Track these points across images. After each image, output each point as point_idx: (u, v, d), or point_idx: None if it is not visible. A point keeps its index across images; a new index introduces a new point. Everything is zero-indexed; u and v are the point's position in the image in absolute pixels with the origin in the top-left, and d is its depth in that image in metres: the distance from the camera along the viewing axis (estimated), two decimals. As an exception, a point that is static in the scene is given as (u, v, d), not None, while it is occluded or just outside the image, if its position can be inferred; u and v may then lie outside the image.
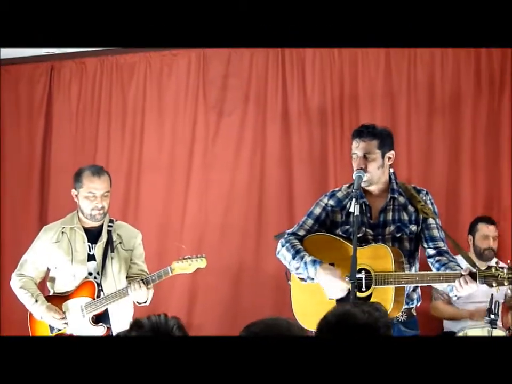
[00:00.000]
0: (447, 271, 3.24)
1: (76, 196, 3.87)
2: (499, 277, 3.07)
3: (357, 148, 3.38)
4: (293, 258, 3.41)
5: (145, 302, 3.83)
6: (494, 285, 3.09)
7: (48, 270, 3.95)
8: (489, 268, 3.12)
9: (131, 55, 5.46)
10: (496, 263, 3.16)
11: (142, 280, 3.72)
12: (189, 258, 3.77)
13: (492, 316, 3.62)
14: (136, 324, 1.97)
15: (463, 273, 3.13)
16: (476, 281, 3.11)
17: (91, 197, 3.80)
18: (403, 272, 3.27)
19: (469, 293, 3.21)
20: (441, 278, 3.22)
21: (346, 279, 3.18)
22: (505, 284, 3.07)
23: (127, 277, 3.89)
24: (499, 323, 4.07)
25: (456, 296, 3.25)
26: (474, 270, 3.14)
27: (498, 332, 3.91)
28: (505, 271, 3.07)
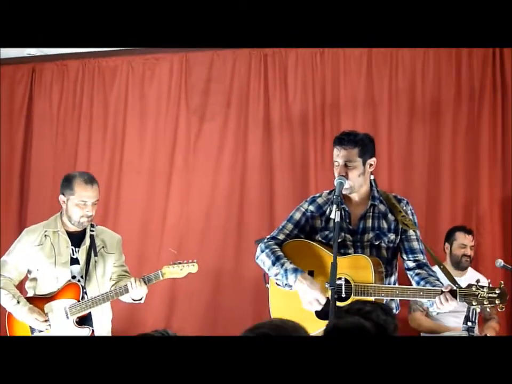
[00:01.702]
0: (427, 286, 3.25)
1: (64, 202, 3.84)
2: (479, 296, 3.10)
3: (338, 156, 3.38)
4: (273, 264, 3.41)
5: (141, 300, 3.86)
6: (474, 303, 3.12)
7: (28, 272, 3.93)
8: (470, 286, 3.14)
9: (113, 58, 5.45)
10: (477, 281, 3.16)
11: (143, 278, 3.74)
12: (180, 263, 3.79)
13: (469, 323, 3.64)
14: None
15: (443, 290, 3.15)
16: (456, 299, 3.13)
17: (82, 205, 3.80)
18: (383, 285, 3.27)
19: (448, 310, 3.23)
20: (421, 293, 3.23)
21: (326, 286, 3.17)
22: (485, 303, 3.09)
23: (111, 279, 3.91)
24: (476, 331, 4.10)
25: (435, 312, 3.28)
26: (454, 288, 3.16)
27: (475, 339, 3.95)
28: (485, 290, 3.09)
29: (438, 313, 4.24)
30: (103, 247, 3.90)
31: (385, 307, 2.26)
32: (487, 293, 3.09)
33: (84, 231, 3.88)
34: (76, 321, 3.80)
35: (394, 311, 3.42)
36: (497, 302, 3.07)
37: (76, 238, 3.87)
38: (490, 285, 3.13)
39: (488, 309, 3.20)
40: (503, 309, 3.16)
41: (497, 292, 3.09)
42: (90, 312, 3.81)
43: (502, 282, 3.14)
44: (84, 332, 3.80)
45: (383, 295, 3.22)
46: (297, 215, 3.52)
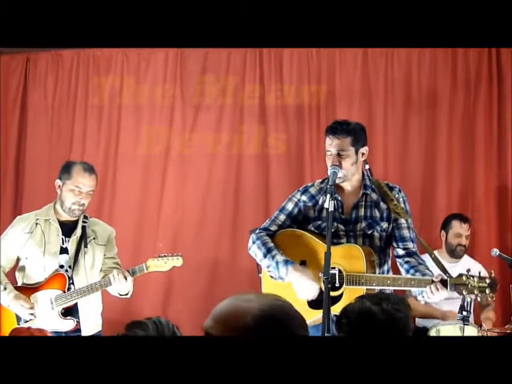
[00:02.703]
0: (417, 275, 3.25)
1: (60, 186, 3.85)
2: (469, 285, 3.10)
3: (331, 145, 3.38)
4: (264, 256, 3.40)
5: (127, 294, 3.83)
6: (464, 293, 3.12)
7: (18, 259, 3.91)
8: (460, 275, 3.14)
9: (108, 48, 5.42)
10: (467, 270, 3.16)
11: (128, 270, 3.72)
12: (165, 256, 3.76)
13: (464, 313, 3.65)
14: (138, 325, 1.95)
15: (434, 279, 3.15)
16: (447, 288, 3.13)
17: (76, 191, 3.80)
18: (375, 275, 3.27)
19: (439, 299, 3.23)
20: (412, 283, 3.23)
21: (320, 275, 3.16)
22: (475, 292, 3.09)
23: (102, 271, 3.88)
24: (471, 320, 4.11)
25: (424, 301, 3.28)
26: (445, 277, 3.16)
27: (470, 329, 3.95)
28: (475, 279, 3.09)
29: (426, 304, 4.26)
30: (94, 238, 3.87)
31: (399, 298, 2.28)
32: (477, 283, 3.08)
33: (76, 221, 3.86)
34: (61, 313, 3.77)
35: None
36: (487, 291, 3.07)
37: (67, 228, 3.85)
38: (481, 274, 3.13)
39: (479, 298, 3.19)
40: (493, 299, 3.15)
41: (487, 281, 3.08)
42: (76, 304, 3.78)
43: (493, 271, 3.13)
44: (69, 323, 3.77)
45: (374, 284, 3.21)
46: (290, 206, 3.51)
